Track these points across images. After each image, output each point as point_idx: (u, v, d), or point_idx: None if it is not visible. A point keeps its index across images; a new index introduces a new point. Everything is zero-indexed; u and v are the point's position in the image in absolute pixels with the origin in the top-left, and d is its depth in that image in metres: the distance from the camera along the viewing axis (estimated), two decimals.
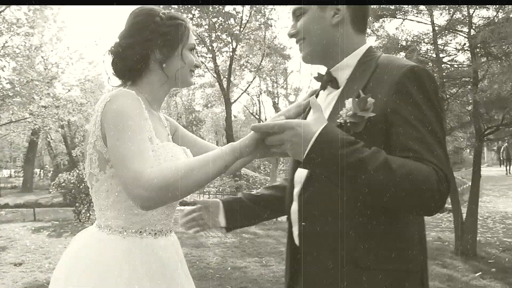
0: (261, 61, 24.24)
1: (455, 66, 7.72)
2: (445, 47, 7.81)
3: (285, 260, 1.72)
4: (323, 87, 1.64)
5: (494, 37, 6.39)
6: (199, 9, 18.39)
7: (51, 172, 27.71)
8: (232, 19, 19.79)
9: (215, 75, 21.22)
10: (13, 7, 14.45)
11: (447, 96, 7.33)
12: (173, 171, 1.42)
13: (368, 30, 8.04)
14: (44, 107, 15.21)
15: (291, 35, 1.63)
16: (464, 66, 7.64)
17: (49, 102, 15.31)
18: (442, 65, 7.47)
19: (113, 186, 1.61)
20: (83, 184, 12.22)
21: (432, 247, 7.94)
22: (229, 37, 20.22)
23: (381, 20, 7.95)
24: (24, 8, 14.63)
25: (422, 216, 1.49)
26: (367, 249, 1.39)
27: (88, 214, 12.48)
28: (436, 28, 7.51)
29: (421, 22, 7.71)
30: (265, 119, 35.93)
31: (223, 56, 21.96)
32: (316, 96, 1.73)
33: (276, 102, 30.91)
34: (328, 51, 1.57)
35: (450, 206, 8.17)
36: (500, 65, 7.18)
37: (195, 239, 9.24)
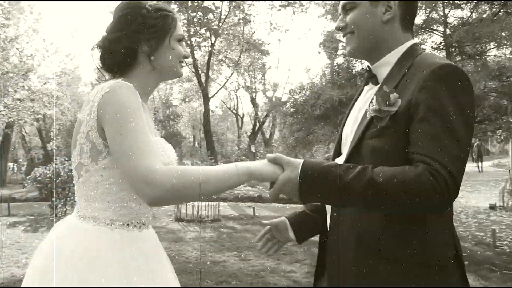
0: (240, 57, 24.24)
1: None
2: (422, 46, 7.97)
3: (318, 249, 1.80)
4: (365, 83, 1.68)
5: (468, 37, 6.55)
6: (178, 4, 18.28)
7: (25, 166, 27.18)
8: (211, 14, 19.73)
9: (194, 70, 21.14)
10: None
11: None
12: (191, 178, 1.44)
13: None
14: (19, 100, 14.92)
15: (339, 28, 1.64)
16: None
17: (24, 95, 15.03)
18: None
19: (104, 178, 1.60)
20: (59, 179, 12.04)
21: None
22: (208, 32, 20.17)
23: None
24: None
25: (435, 212, 1.46)
26: (392, 241, 1.43)
27: (64, 209, 12.29)
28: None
29: None
30: (243, 114, 35.98)
31: (201, 51, 21.91)
32: (361, 92, 1.75)
33: (254, 98, 30.95)
34: (374, 47, 1.59)
35: None
36: (474, 64, 7.36)
37: (173, 234, 9.24)
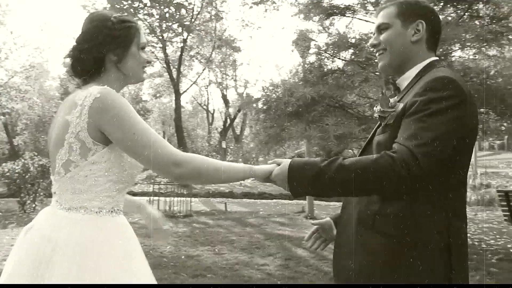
0: (212, 53, 24.23)
1: None
2: None
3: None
4: (394, 94, 1.87)
5: None
6: None
7: None
8: (183, 10, 19.68)
9: (165, 65, 21.05)
10: None
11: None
12: (207, 162, 1.79)
13: (319, 27, 8.36)
14: None
15: (373, 45, 1.89)
16: None
17: None
18: None
19: (92, 171, 1.78)
20: (28, 174, 11.89)
21: None
22: (180, 28, 20.11)
23: (331, 17, 8.27)
24: None
25: (401, 191, 1.58)
26: (386, 219, 1.62)
27: (33, 205, 12.14)
28: None
29: (369, 22, 8.09)
30: (213, 110, 36.02)
31: (173, 47, 21.86)
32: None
33: (225, 94, 31.01)
34: (402, 63, 1.82)
35: None
36: None
37: (146, 229, 9.24)
